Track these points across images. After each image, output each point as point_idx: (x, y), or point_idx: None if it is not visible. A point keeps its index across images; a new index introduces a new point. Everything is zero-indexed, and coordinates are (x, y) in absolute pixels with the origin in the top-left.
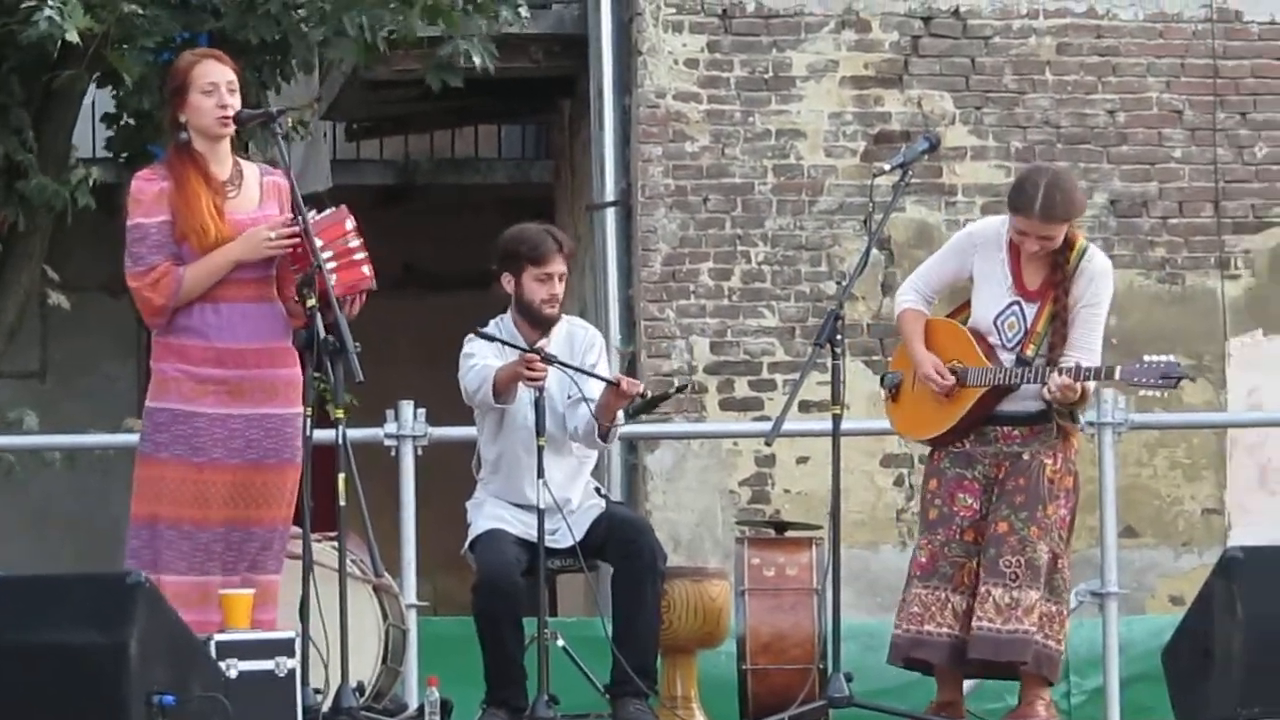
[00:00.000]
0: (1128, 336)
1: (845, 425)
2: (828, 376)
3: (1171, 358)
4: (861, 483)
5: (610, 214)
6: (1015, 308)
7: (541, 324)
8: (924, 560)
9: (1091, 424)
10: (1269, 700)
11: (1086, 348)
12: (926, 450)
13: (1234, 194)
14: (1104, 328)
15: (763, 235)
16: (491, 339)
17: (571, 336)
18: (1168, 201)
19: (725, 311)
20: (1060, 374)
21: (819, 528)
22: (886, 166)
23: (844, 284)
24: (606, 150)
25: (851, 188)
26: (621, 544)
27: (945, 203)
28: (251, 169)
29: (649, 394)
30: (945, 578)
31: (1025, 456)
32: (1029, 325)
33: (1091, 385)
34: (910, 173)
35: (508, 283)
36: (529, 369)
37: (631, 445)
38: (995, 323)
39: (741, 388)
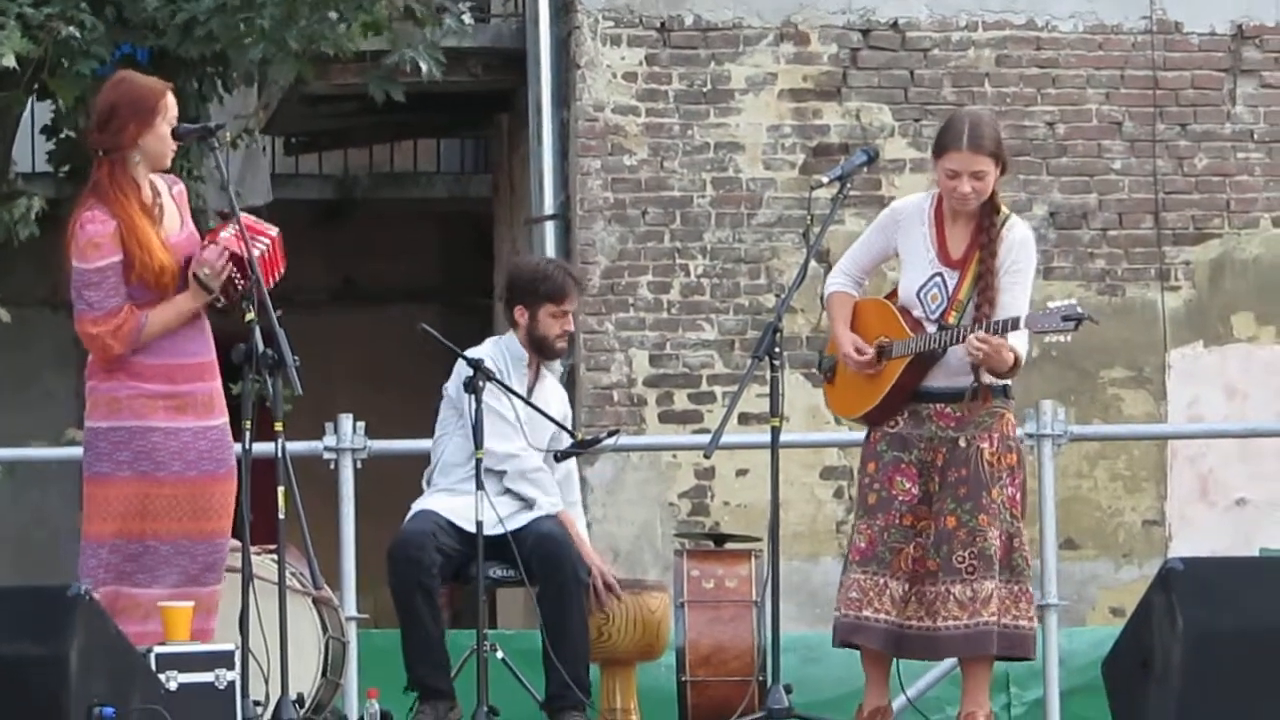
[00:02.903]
0: (1068, 347)
1: (784, 438)
2: (767, 389)
3: (1073, 300)
4: (801, 495)
5: (549, 227)
6: (937, 279)
7: (551, 357)
8: (863, 545)
9: (1031, 436)
10: (1208, 712)
11: (1012, 310)
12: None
13: (1174, 205)
14: (1028, 296)
15: (701, 248)
16: (490, 377)
17: (553, 384)
18: (1107, 213)
19: (664, 324)
20: (976, 330)
21: (758, 540)
22: (825, 179)
23: (783, 296)
24: (545, 164)
25: (790, 200)
26: (542, 560)
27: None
28: (160, 183)
29: (581, 437)
30: (883, 563)
31: (961, 443)
32: (951, 294)
33: (1022, 350)
34: (849, 185)
35: (520, 315)
36: None
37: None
38: (918, 295)
39: (681, 400)
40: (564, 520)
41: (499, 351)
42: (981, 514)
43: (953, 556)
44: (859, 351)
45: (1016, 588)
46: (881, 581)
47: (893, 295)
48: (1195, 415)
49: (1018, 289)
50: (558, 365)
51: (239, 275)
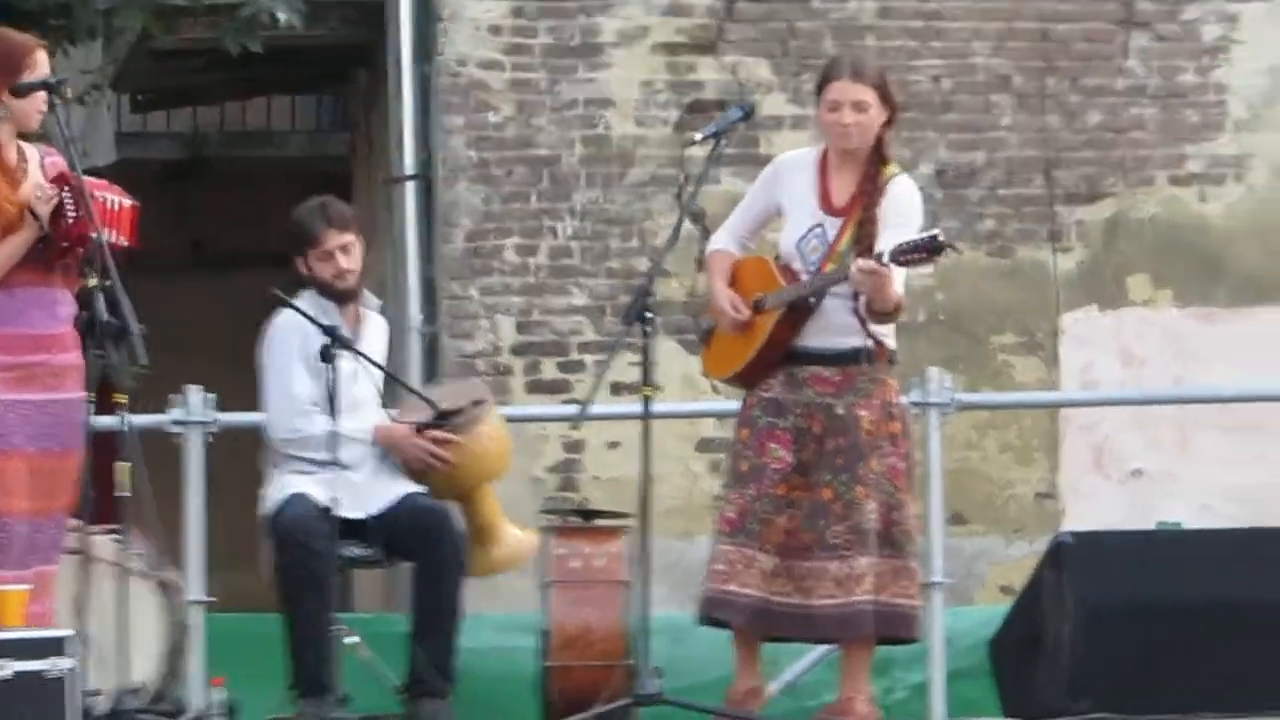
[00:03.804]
0: (956, 310)
1: (657, 408)
2: (639, 357)
3: (936, 230)
4: (675, 469)
5: (409, 188)
6: (818, 229)
7: (342, 299)
8: (732, 516)
9: (917, 405)
10: (1098, 691)
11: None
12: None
13: (1065, 163)
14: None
15: (570, 209)
16: (347, 345)
17: (376, 322)
18: (996, 171)
19: (531, 290)
20: (856, 261)
21: (629, 516)
22: (699, 136)
23: (655, 259)
24: (405, 121)
25: (664, 159)
26: (422, 533)
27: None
28: (33, 152)
29: (441, 408)
30: (752, 535)
31: (840, 411)
32: (831, 244)
33: (898, 289)
34: (724, 142)
35: (300, 267)
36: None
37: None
38: (798, 246)
39: (549, 369)
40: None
41: (318, 311)
42: (859, 485)
43: (828, 531)
44: (735, 308)
45: (898, 563)
46: (749, 554)
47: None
48: (1089, 382)
49: (901, 237)
50: (374, 299)
51: (72, 206)
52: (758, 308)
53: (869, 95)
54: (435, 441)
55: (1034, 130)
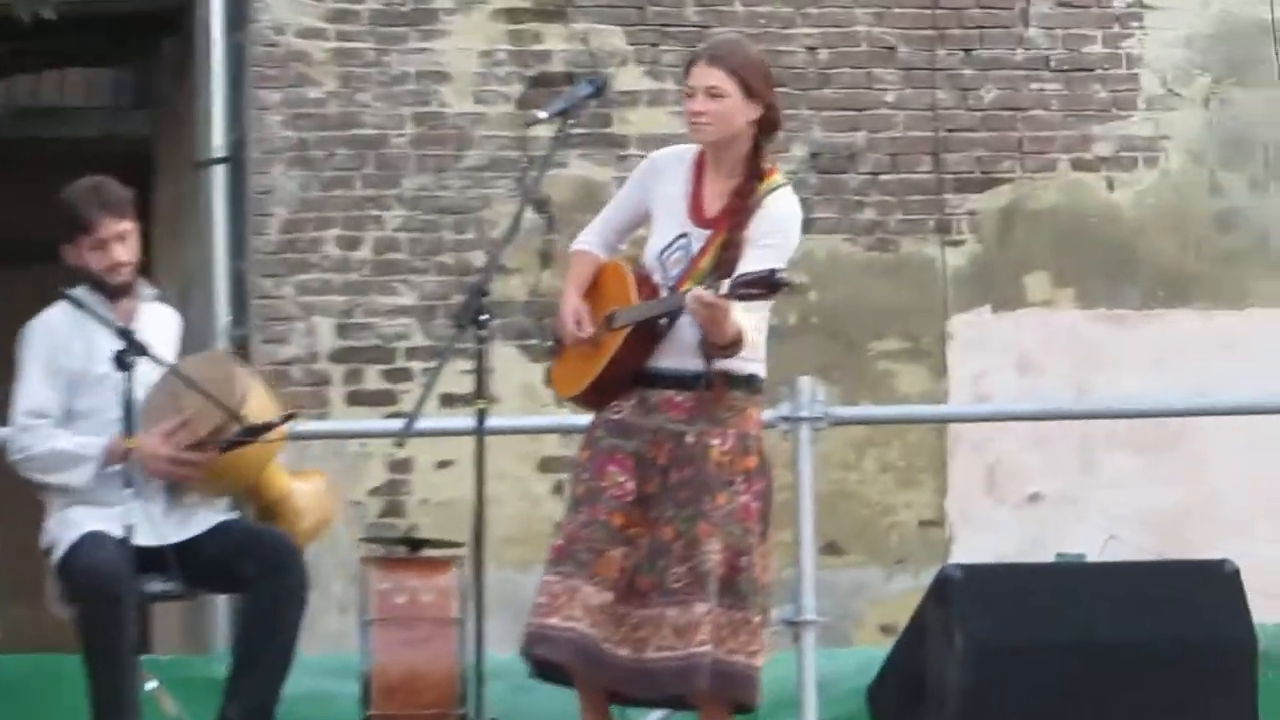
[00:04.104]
0: (832, 312)
1: (493, 422)
2: (473, 364)
3: (775, 265)
4: (514, 491)
5: (218, 172)
6: (683, 240)
7: (115, 295)
8: (560, 543)
9: (786, 420)
10: None
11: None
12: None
13: (957, 145)
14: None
15: (399, 196)
16: (143, 350)
17: (164, 319)
18: (878, 154)
19: (354, 288)
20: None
21: (461, 545)
22: (544, 114)
23: (493, 253)
24: (215, 97)
25: (505, 140)
26: (264, 559)
27: (616, 157)
28: None
29: (248, 422)
30: (582, 565)
31: (689, 439)
32: (693, 259)
33: (747, 327)
34: (573, 121)
35: (69, 255)
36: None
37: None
38: (660, 258)
39: (372, 378)
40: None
41: (93, 302)
42: (702, 522)
43: (668, 574)
44: (578, 322)
45: (738, 615)
46: (575, 585)
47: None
48: (982, 394)
49: (761, 260)
50: (149, 289)
51: None
52: (610, 323)
53: (727, 83)
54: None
55: (921, 107)
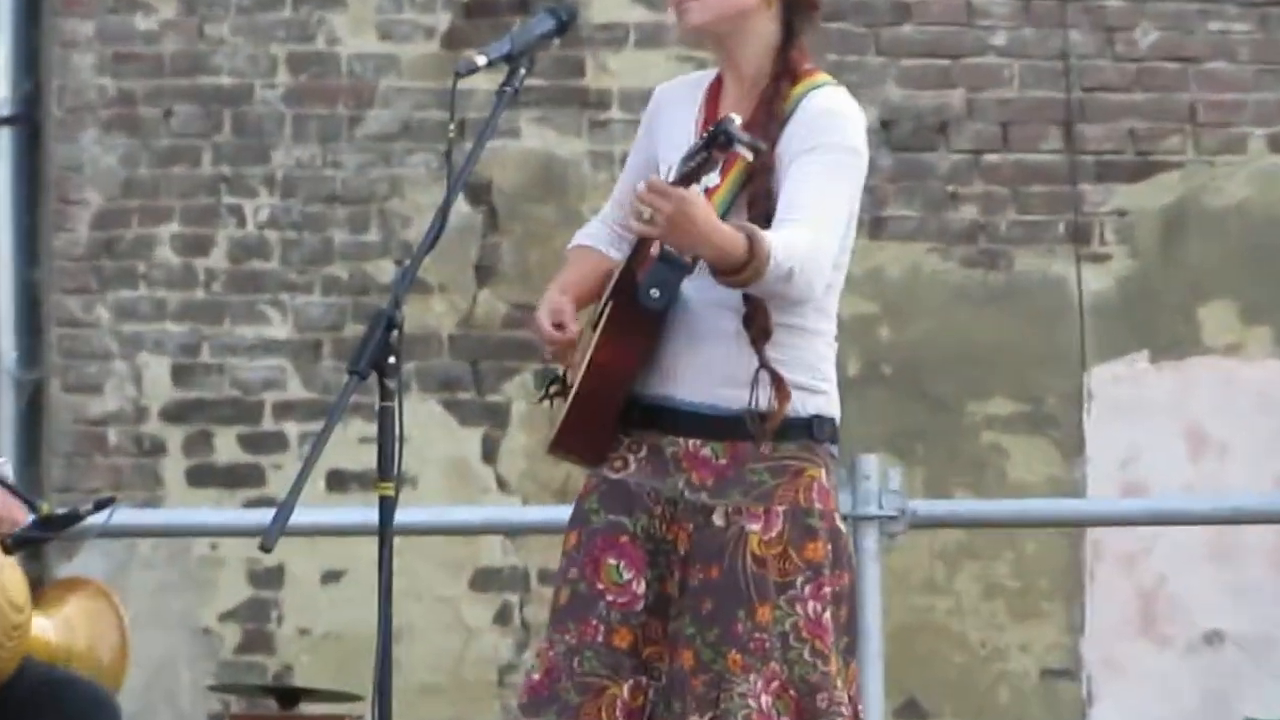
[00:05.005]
0: (911, 358)
1: (407, 515)
2: (374, 428)
3: (731, 116)
4: (438, 618)
5: (2, 137)
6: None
7: None
8: (537, 679)
9: (845, 518)
10: None
11: (800, 205)
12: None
13: (1098, 111)
14: (841, 194)
15: (267, 177)
16: None
17: None
18: (982, 124)
19: (200, 312)
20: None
21: (359, 699)
22: (482, 60)
23: (407, 264)
24: None
25: (425, 95)
26: (66, 709)
27: (590, 122)
28: None
29: (48, 511)
30: (568, 710)
31: (717, 521)
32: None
33: (779, 246)
34: (525, 71)
35: None
36: None
37: (35, 552)
38: None
39: (226, 445)
40: None
41: None
42: (733, 650)
43: None
44: (558, 323)
45: None
46: None
47: None
48: (1135, 483)
49: (811, 176)
50: None
51: None
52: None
53: None
54: None
55: (1047, 54)
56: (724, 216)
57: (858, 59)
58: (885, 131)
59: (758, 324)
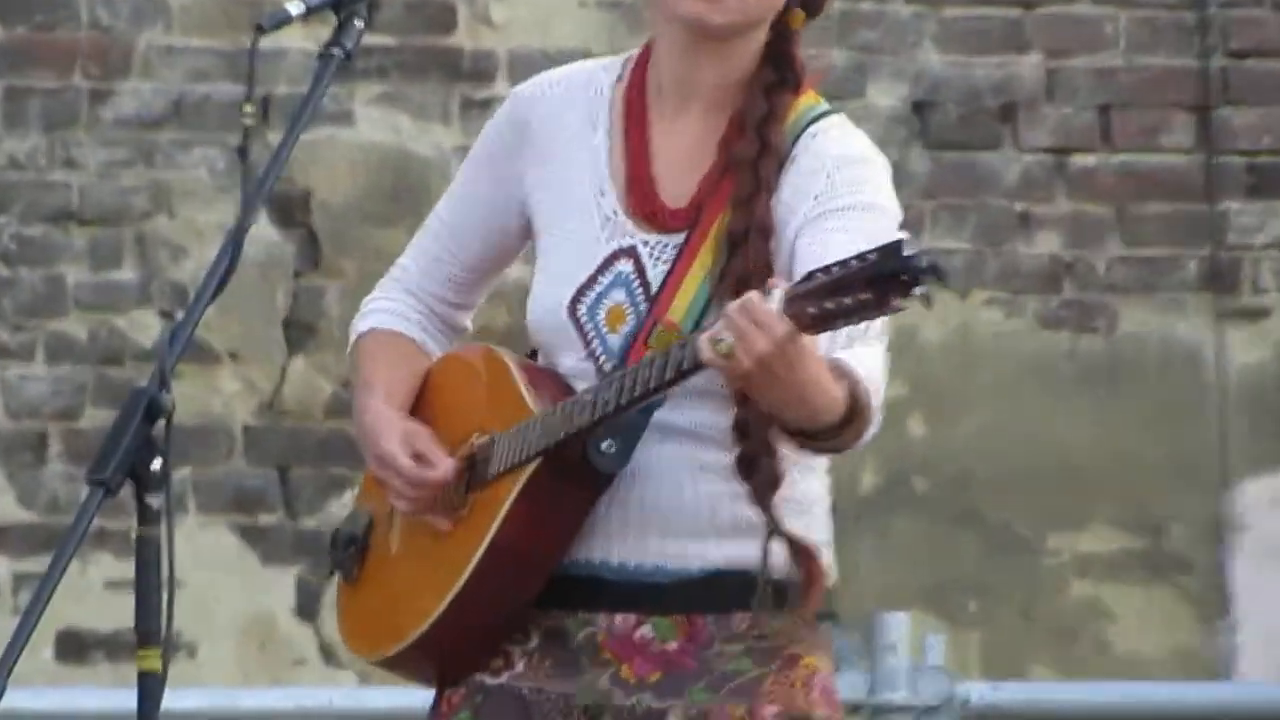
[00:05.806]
0: (960, 458)
1: (183, 701)
2: (129, 568)
3: (903, 235)
4: None
5: None
6: (622, 262)
7: None
8: None
9: (859, 708)
10: None
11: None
12: None
13: (1243, 90)
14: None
15: None
16: None
17: None
18: (1064, 109)
19: None
20: (726, 321)
21: None
22: (295, 7)
23: (180, 320)
24: None
25: (207, 59)
26: None
27: (463, 101)
28: None
29: None
30: None
31: None
32: (655, 292)
33: (876, 375)
34: (363, 22)
35: None
36: None
37: None
38: (572, 311)
39: None
40: None
41: None
42: None
43: None
44: (417, 455)
45: None
46: None
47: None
48: None
49: (846, 239)
50: None
51: None
52: (475, 467)
53: None
54: None
55: (1164, 5)
56: (705, 307)
57: (877, 8)
58: (919, 119)
59: (762, 470)
